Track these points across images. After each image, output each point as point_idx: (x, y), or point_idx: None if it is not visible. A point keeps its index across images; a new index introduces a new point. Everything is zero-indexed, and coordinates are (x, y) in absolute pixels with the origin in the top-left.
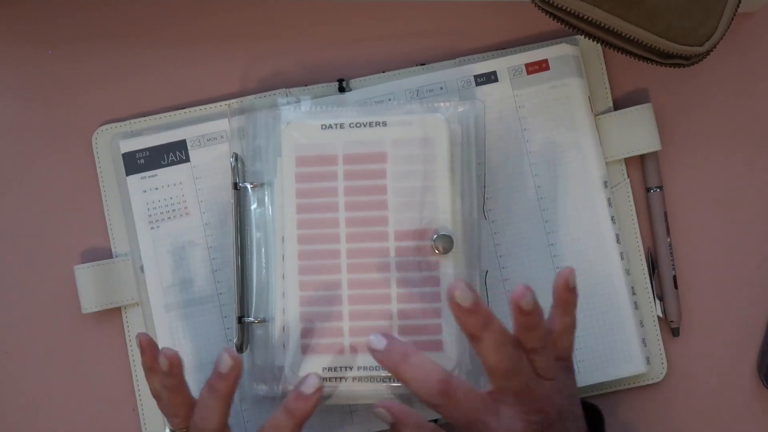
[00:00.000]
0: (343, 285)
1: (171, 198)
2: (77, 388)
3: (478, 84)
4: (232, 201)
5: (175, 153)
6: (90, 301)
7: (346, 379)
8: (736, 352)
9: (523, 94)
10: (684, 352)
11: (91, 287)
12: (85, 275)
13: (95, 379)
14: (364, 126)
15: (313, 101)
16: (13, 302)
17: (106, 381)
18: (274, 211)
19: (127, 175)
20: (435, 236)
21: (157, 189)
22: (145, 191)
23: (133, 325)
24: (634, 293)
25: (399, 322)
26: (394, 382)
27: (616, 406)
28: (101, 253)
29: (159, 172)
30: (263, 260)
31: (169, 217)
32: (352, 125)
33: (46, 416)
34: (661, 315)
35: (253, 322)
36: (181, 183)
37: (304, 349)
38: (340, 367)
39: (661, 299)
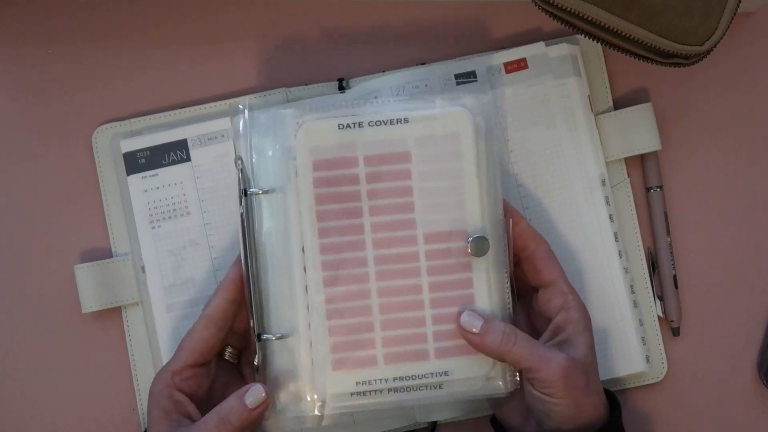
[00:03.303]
0: (372, 294)
1: (172, 197)
2: (77, 388)
3: (458, 83)
4: (242, 210)
5: (176, 152)
6: (90, 300)
7: (381, 391)
8: (736, 352)
9: (501, 93)
10: (684, 352)
11: (91, 287)
12: (85, 275)
13: (95, 379)
14: (385, 124)
15: (320, 99)
16: (13, 302)
17: (106, 381)
18: (291, 220)
19: (128, 174)
20: (471, 239)
21: (158, 188)
22: (146, 191)
23: (133, 325)
24: (633, 292)
25: (434, 327)
26: (431, 389)
27: None
28: (101, 253)
29: (160, 171)
30: (278, 272)
31: (170, 217)
32: (371, 124)
33: (46, 416)
34: (661, 314)
35: (272, 339)
36: (182, 182)
37: (335, 365)
38: (375, 380)
39: (661, 299)
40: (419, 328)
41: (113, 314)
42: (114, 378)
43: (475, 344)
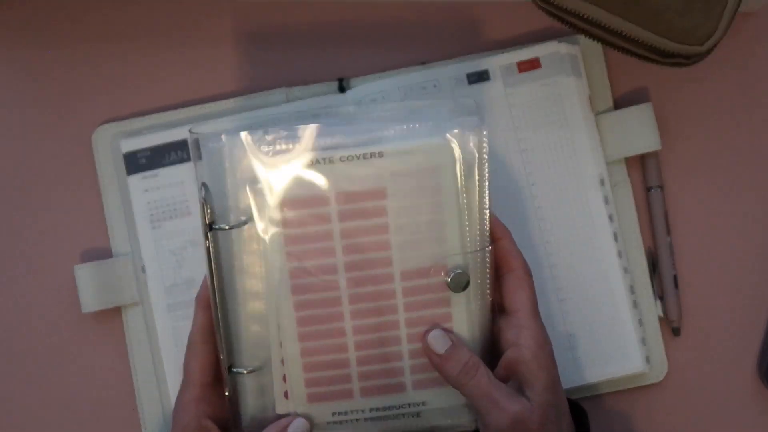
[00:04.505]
0: (348, 332)
1: (173, 197)
2: (77, 388)
3: (470, 83)
4: (208, 244)
5: (176, 152)
6: (90, 300)
7: (359, 420)
8: (736, 352)
9: (515, 93)
10: (684, 352)
11: (91, 287)
12: (85, 275)
13: (95, 379)
14: (357, 159)
15: (282, 119)
16: (13, 302)
17: (106, 381)
18: (263, 258)
19: (128, 174)
20: (451, 274)
21: (158, 188)
22: (146, 191)
23: (133, 325)
24: (633, 292)
25: (411, 361)
26: (410, 417)
27: (617, 405)
28: (101, 253)
29: (160, 171)
30: (250, 307)
31: (171, 217)
32: (343, 159)
33: (46, 416)
34: (661, 315)
35: (243, 373)
36: (182, 182)
37: (311, 398)
38: (351, 411)
39: (661, 299)
40: (396, 363)
41: (113, 314)
42: (114, 378)
43: (436, 366)
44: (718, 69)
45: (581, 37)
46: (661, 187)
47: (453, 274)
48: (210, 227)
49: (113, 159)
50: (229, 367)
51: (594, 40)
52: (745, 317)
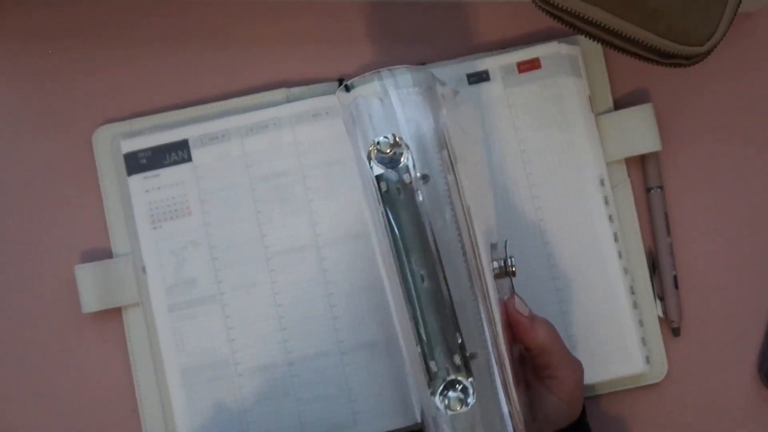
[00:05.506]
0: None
1: (173, 198)
2: (77, 388)
3: (470, 83)
4: (420, 197)
5: (177, 152)
6: (90, 301)
7: None
8: (736, 352)
9: (515, 93)
10: (684, 352)
11: (91, 287)
12: (85, 275)
13: (95, 379)
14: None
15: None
16: (13, 302)
17: (106, 381)
18: (450, 214)
19: (129, 175)
20: (509, 254)
21: (159, 189)
22: (147, 191)
23: (134, 326)
24: (633, 292)
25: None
26: None
27: (616, 406)
28: (101, 253)
29: (161, 171)
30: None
31: (172, 217)
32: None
33: (46, 416)
34: (661, 315)
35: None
36: (183, 183)
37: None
38: None
39: (661, 299)
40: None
41: (113, 314)
42: (114, 378)
43: (525, 332)
44: (718, 69)
45: (581, 38)
46: (661, 188)
47: (509, 256)
48: (423, 178)
49: (113, 159)
50: (470, 356)
51: (594, 40)
52: (745, 317)
